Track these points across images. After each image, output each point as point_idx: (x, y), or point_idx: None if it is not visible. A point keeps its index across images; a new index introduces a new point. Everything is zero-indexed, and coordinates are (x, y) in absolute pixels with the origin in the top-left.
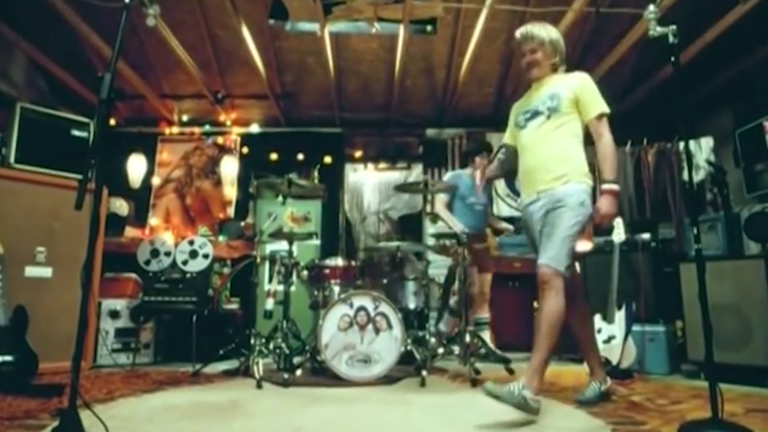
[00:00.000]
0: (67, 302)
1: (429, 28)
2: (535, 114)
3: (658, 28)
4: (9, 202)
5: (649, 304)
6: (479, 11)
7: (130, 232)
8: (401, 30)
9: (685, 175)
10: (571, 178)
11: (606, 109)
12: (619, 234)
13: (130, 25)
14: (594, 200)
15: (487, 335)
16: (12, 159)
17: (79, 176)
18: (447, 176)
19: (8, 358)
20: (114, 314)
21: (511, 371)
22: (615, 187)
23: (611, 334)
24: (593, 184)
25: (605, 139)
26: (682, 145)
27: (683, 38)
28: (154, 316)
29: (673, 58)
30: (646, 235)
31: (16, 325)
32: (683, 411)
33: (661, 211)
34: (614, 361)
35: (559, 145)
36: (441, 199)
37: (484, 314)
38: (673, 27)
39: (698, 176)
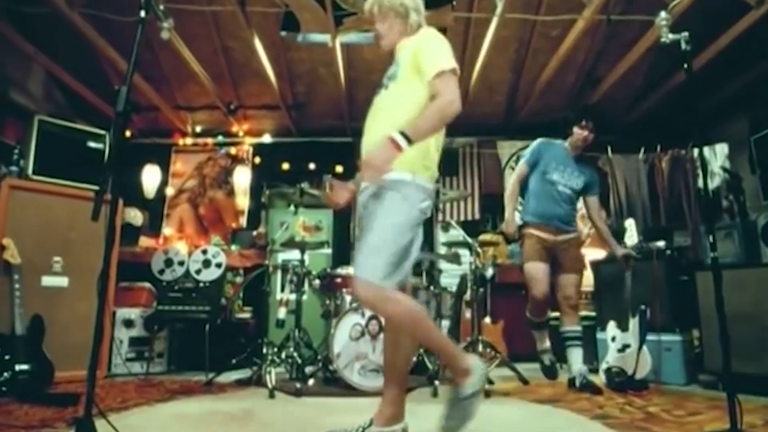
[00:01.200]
0: (82, 311)
1: None
2: (380, 89)
3: (670, 35)
4: (27, 213)
5: (664, 313)
6: (489, 20)
7: (145, 241)
8: None
9: (700, 182)
10: (396, 165)
11: (447, 66)
12: (631, 236)
13: (145, 39)
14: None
15: (578, 354)
16: (30, 170)
17: (96, 187)
18: (535, 142)
19: (25, 367)
20: (128, 323)
21: (525, 381)
22: (399, 138)
23: (626, 342)
24: (437, 176)
25: (440, 98)
26: (696, 151)
27: (696, 44)
28: (168, 325)
29: (685, 65)
30: (660, 243)
31: (32, 334)
32: (701, 422)
33: (676, 219)
34: (629, 371)
35: (390, 121)
36: (519, 167)
37: (572, 326)
38: (686, 34)
39: (713, 183)
